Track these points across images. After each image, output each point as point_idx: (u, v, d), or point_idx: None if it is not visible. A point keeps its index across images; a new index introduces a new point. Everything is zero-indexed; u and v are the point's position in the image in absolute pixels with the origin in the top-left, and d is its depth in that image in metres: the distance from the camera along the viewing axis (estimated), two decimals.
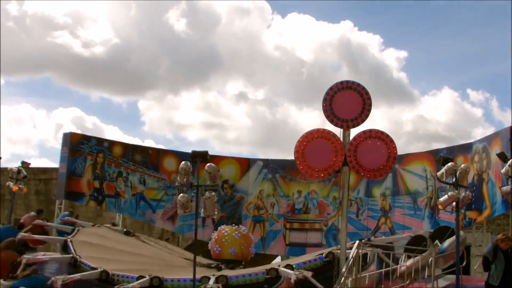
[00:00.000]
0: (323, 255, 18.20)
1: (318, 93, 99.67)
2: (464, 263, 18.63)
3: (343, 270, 14.14)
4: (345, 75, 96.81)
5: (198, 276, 17.47)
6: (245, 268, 20.59)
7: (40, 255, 21.68)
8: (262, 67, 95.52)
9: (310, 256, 20.25)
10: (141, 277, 17.83)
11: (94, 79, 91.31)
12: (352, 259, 14.65)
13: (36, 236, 23.00)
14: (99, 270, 19.06)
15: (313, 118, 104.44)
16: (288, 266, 17.48)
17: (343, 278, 13.65)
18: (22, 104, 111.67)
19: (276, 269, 17.34)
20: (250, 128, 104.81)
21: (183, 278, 17.94)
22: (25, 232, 22.30)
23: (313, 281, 16.35)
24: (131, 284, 17.55)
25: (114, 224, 27.72)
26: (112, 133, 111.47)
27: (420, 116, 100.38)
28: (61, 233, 24.53)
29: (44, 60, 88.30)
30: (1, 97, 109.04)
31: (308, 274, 16.60)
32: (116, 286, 17.24)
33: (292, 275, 16.48)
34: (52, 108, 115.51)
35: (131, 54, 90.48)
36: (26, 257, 20.36)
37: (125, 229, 27.18)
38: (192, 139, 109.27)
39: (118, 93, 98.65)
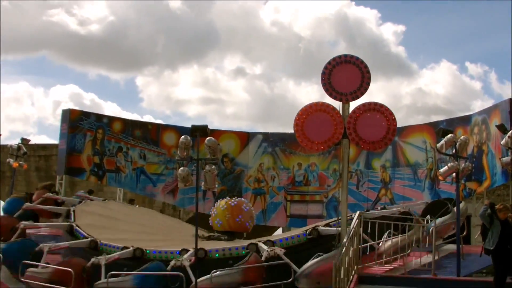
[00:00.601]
0: (307, 231, 18.27)
1: (316, 68, 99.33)
2: (464, 233, 18.80)
3: (344, 240, 14.19)
4: (342, 50, 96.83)
5: (179, 249, 17.75)
6: (247, 239, 20.68)
7: (44, 226, 22.07)
8: (260, 43, 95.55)
9: (293, 232, 20.34)
10: (125, 247, 18.12)
11: (91, 57, 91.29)
12: (353, 230, 14.71)
13: (41, 206, 23.29)
14: (88, 239, 19.34)
15: (312, 93, 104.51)
16: (269, 242, 17.57)
17: (344, 249, 13.70)
18: (19, 83, 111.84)
19: (256, 244, 17.44)
20: (248, 103, 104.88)
21: (165, 250, 18.23)
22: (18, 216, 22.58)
23: (285, 258, 16.51)
24: (114, 254, 17.87)
25: (131, 202, 27.95)
26: (110, 109, 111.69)
27: (419, 90, 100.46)
28: None
29: (40, 39, 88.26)
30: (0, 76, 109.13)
31: (281, 252, 16.71)
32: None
33: (264, 251, 16.67)
34: (50, 85, 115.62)
35: (127, 31, 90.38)
36: (24, 223, 20.68)
37: (130, 199, 27.58)
38: (191, 114, 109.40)
39: (115, 70, 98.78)
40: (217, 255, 17.49)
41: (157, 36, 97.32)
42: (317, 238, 17.79)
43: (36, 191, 24.68)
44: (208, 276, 15.80)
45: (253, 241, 18.46)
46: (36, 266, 17.67)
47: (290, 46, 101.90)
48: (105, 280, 16.37)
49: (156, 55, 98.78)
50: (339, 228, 16.98)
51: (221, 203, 21.83)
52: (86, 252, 19.02)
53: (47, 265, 17.61)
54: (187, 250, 17.54)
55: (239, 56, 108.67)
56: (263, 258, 16.48)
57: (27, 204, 21.99)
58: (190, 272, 16.27)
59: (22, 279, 17.83)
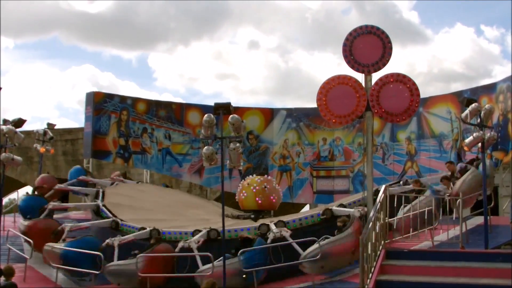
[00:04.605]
0: (320, 212, 18.22)
1: (328, 37, 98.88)
2: (492, 204, 18.62)
3: (371, 215, 14.13)
4: (353, 18, 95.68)
5: (192, 229, 17.88)
6: (274, 217, 20.70)
7: (73, 215, 22.28)
8: (271, 15, 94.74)
9: (307, 212, 20.29)
10: (142, 228, 18.34)
11: (102, 36, 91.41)
12: (379, 204, 14.63)
13: (67, 205, 23.52)
14: (110, 219, 19.50)
15: (327, 63, 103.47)
16: (280, 223, 17.57)
17: (371, 223, 13.63)
18: (34, 65, 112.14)
19: (267, 225, 17.46)
20: (265, 77, 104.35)
21: (179, 230, 18.47)
22: (49, 197, 22.71)
23: (290, 240, 16.53)
24: (129, 236, 18.16)
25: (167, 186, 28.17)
26: (128, 89, 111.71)
27: (434, 56, 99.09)
28: (78, 193, 25.07)
29: (50, 20, 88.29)
30: (14, 60, 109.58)
31: (287, 233, 16.69)
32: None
33: (271, 233, 16.77)
34: (64, 67, 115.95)
35: (138, 8, 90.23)
36: (52, 203, 20.87)
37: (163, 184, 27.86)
38: (207, 92, 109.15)
39: (127, 48, 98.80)
40: (229, 235, 17.46)
41: (168, 11, 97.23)
42: (331, 218, 17.77)
43: (38, 179, 24.83)
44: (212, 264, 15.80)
45: (265, 221, 18.48)
46: None
47: (301, 16, 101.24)
48: (116, 262, 16.56)
49: (168, 31, 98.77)
50: (352, 210, 17.01)
51: (248, 181, 21.96)
52: (109, 232, 19.20)
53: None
54: (200, 231, 17.61)
55: (251, 28, 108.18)
56: (269, 240, 16.51)
57: (53, 204, 22.04)
58: (197, 256, 16.34)
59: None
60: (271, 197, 21.73)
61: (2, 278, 12.44)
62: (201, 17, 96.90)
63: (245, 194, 21.62)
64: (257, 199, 21.43)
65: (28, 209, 21.43)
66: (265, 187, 21.59)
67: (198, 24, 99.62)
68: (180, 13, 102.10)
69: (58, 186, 23.77)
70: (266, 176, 23.63)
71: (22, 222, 20.76)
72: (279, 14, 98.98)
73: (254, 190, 21.51)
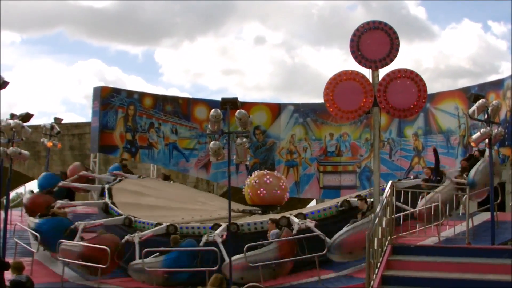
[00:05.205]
0: (338, 203, 18.26)
1: (334, 33, 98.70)
2: (499, 200, 18.59)
3: (377, 210, 14.11)
4: (359, 14, 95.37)
5: (211, 224, 17.90)
6: (281, 212, 20.73)
7: (79, 205, 22.45)
8: (277, 10, 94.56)
9: (325, 204, 20.32)
10: (159, 224, 18.36)
11: (108, 31, 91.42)
12: (386, 200, 14.62)
13: (75, 184, 23.66)
14: (123, 216, 19.55)
15: (333, 59, 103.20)
16: (300, 215, 17.58)
17: (377, 219, 13.62)
18: (41, 60, 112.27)
19: (288, 218, 17.48)
20: (270, 73, 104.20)
21: (197, 225, 18.62)
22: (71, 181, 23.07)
23: (316, 230, 16.53)
24: (148, 231, 18.12)
25: (166, 178, 28.05)
26: (135, 84, 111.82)
27: (441, 52, 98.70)
28: None
29: (55, 15, 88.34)
30: (20, 54, 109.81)
31: (311, 224, 16.73)
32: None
33: (295, 225, 16.76)
34: (71, 62, 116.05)
35: (143, 3, 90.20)
36: (60, 202, 20.98)
37: (164, 174, 27.87)
38: (213, 88, 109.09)
39: (133, 43, 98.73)
40: (248, 229, 17.55)
41: (173, 6, 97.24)
42: (349, 209, 17.79)
43: (69, 168, 25.26)
44: (242, 255, 15.87)
45: (285, 214, 18.50)
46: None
47: (307, 12, 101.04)
48: (141, 260, 16.54)
49: (174, 26, 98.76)
50: (371, 199, 16.97)
51: (253, 177, 22.02)
52: (121, 229, 19.22)
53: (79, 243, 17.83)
54: (219, 225, 17.63)
55: (257, 24, 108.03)
56: (294, 231, 16.52)
57: (64, 182, 22.22)
58: (222, 248, 16.37)
59: (59, 257, 18.12)
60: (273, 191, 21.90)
61: (11, 273, 12.43)
62: (207, 13, 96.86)
63: (263, 192, 21.75)
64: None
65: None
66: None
67: (204, 19, 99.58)
68: (185, 8, 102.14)
69: (62, 183, 23.85)
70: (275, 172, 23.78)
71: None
72: (284, 9, 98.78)
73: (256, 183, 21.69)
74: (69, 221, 19.78)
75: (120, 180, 24.78)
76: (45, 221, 19.83)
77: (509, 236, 16.97)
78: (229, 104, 16.14)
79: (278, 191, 21.97)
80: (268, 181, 21.92)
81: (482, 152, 19.03)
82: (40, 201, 22.02)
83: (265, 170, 23.78)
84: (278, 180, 22.28)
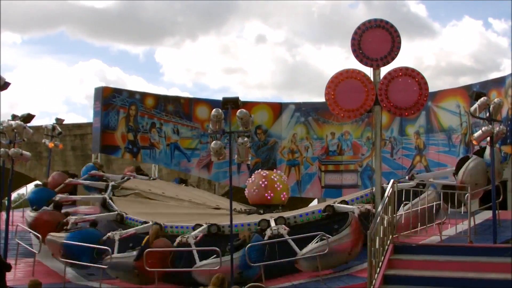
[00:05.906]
0: (322, 208, 18.21)
1: (336, 32, 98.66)
2: (501, 198, 18.56)
3: (379, 209, 14.08)
4: (360, 12, 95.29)
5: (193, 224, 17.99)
6: (284, 211, 20.70)
7: (82, 209, 22.37)
8: (278, 9, 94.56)
9: (308, 209, 20.28)
10: (145, 222, 18.52)
11: (109, 31, 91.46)
12: (387, 198, 14.58)
13: (74, 197, 23.49)
14: (115, 212, 20.11)
15: (334, 57, 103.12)
16: (281, 219, 17.63)
17: (379, 218, 13.59)
18: (42, 60, 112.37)
19: (268, 221, 17.47)
20: (272, 71, 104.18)
21: (180, 225, 18.60)
22: (59, 191, 22.76)
23: (287, 237, 16.53)
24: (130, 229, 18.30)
25: (182, 181, 28.08)
26: (136, 83, 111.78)
27: (442, 49, 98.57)
28: (89, 189, 25.04)
29: (56, 15, 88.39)
30: (21, 55, 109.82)
31: (284, 231, 16.72)
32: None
33: (267, 231, 16.82)
34: (72, 62, 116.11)
35: (144, 2, 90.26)
36: (60, 195, 20.95)
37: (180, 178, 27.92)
38: (215, 87, 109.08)
39: (134, 42, 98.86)
40: (236, 230, 17.42)
41: (175, 5, 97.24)
42: (332, 215, 17.76)
43: (51, 176, 25.02)
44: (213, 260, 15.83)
45: (265, 217, 18.46)
46: None
47: (308, 10, 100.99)
48: (109, 256, 16.66)
49: (175, 25, 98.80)
50: (353, 207, 17.01)
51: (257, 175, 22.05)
52: (115, 225, 19.26)
53: None
54: (200, 225, 17.61)
55: (258, 22, 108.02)
56: (266, 237, 16.50)
57: (61, 196, 22.03)
58: (194, 251, 16.31)
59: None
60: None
61: None
62: (208, 11, 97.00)
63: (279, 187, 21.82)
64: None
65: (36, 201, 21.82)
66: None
67: (205, 18, 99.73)
68: (187, 7, 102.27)
69: (69, 180, 23.85)
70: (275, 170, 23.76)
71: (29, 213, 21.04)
72: (286, 8, 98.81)
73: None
74: (100, 232, 18.61)
75: (128, 179, 24.83)
76: (74, 234, 18.36)
77: (511, 234, 16.93)
78: (231, 104, 16.14)
79: (256, 190, 22.00)
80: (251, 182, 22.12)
81: (483, 150, 18.96)
82: (47, 219, 20.36)
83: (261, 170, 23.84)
84: (259, 179, 22.24)
